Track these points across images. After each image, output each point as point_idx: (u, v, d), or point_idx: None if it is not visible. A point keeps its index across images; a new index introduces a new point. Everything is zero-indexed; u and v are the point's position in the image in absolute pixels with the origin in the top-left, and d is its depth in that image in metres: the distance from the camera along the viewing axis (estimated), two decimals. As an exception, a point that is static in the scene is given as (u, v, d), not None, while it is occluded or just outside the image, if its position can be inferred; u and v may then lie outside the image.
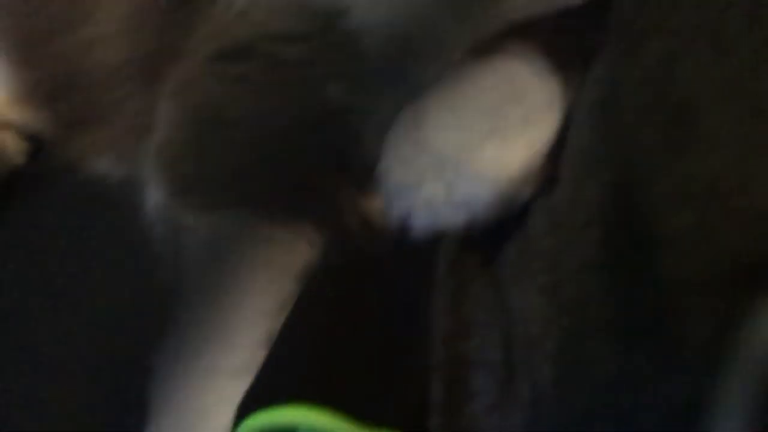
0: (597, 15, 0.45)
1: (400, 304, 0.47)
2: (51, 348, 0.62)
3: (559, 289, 0.39)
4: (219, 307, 0.48)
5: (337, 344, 0.44)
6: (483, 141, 0.44)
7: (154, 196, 0.58)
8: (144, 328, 0.54)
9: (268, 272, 0.49)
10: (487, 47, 0.46)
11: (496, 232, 0.47)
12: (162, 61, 0.62)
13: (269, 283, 0.49)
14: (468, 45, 0.47)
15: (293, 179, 0.52)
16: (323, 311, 0.46)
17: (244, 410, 0.41)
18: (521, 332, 0.41)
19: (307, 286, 0.49)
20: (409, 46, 0.49)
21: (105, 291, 0.62)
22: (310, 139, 0.53)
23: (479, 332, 0.44)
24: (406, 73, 0.50)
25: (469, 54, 0.46)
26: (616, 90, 0.40)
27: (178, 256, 0.53)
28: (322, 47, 0.52)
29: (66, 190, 0.68)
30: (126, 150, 0.68)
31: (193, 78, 0.58)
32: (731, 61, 0.36)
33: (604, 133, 0.40)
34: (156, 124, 0.61)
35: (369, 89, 0.51)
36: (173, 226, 0.54)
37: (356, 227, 0.51)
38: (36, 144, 0.70)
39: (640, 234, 0.37)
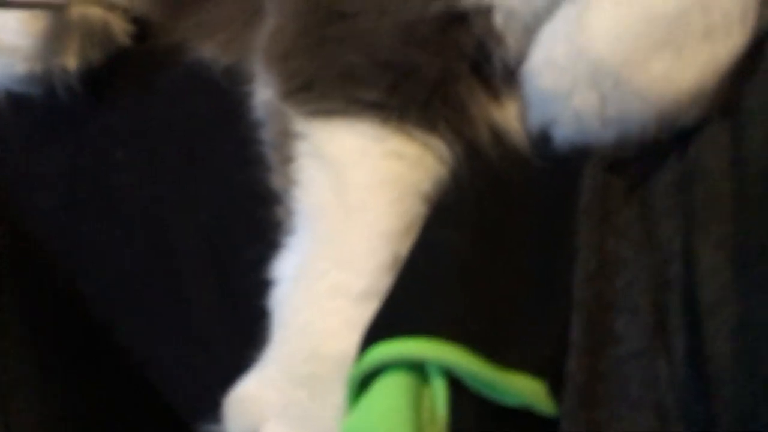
0: None
1: (539, 231, 0.43)
2: (157, 236, 0.61)
3: (743, 246, 0.34)
4: (339, 227, 0.45)
5: (470, 273, 0.41)
6: (653, 52, 0.38)
7: (263, 93, 0.54)
8: (255, 234, 0.51)
9: (393, 190, 0.45)
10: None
11: (652, 156, 0.42)
12: None
13: (395, 203, 0.45)
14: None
15: (418, 83, 0.47)
16: (454, 236, 0.43)
17: (370, 338, 0.39)
18: (682, 285, 0.36)
19: (436, 207, 0.45)
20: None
21: (211, 187, 0.60)
22: (438, 36, 0.47)
23: (625, 271, 0.40)
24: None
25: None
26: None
27: (290, 166, 0.49)
28: None
29: (172, 75, 0.65)
30: (233, 35, 0.64)
31: None
32: None
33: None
34: (266, 10, 0.57)
35: None
36: (284, 131, 0.50)
37: (490, 140, 0.46)
38: (142, 26, 0.66)
39: None
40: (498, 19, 0.45)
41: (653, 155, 0.42)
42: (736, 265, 0.33)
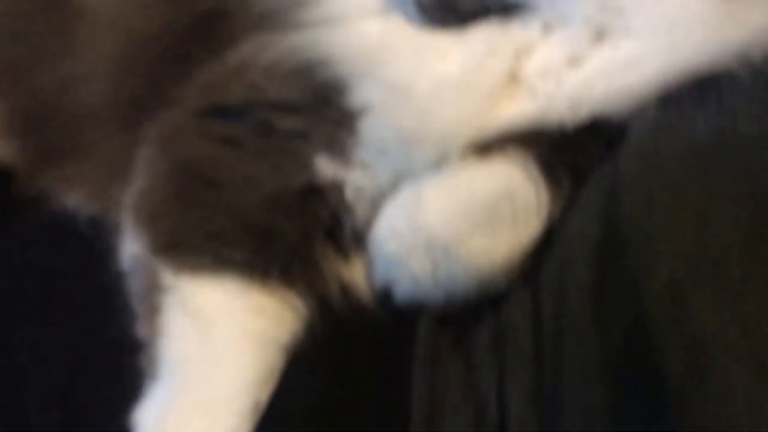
0: (592, 140, 0.49)
1: (382, 375, 0.49)
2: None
3: (546, 399, 0.43)
4: (202, 376, 0.50)
5: (323, 416, 0.47)
6: (474, 231, 0.48)
7: (131, 247, 0.58)
8: (117, 380, 0.54)
9: (254, 342, 0.51)
10: (489, 147, 0.50)
11: (472, 313, 0.51)
12: (148, 105, 0.63)
13: (256, 354, 0.50)
14: (467, 143, 0.50)
15: (280, 245, 0.54)
16: (307, 381, 0.49)
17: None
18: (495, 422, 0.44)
19: (292, 357, 0.50)
20: (410, 136, 0.52)
21: (68, 335, 0.62)
22: (299, 205, 0.55)
23: (454, 416, 0.47)
24: (403, 158, 0.52)
25: (471, 149, 0.50)
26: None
27: (156, 317, 0.53)
28: (317, 121, 0.54)
29: (35, 222, 0.68)
30: (99, 188, 0.67)
31: (180, 129, 0.59)
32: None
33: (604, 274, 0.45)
34: (136, 168, 0.62)
35: (363, 167, 0.54)
36: (152, 284, 0.54)
37: (340, 295, 0.53)
38: (6, 173, 0.69)
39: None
40: (349, 193, 0.54)
41: (474, 313, 0.51)
42: (540, 414, 0.42)
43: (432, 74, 0.51)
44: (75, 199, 0.69)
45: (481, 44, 0.52)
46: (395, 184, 0.52)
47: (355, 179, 0.54)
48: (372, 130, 0.53)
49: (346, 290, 0.54)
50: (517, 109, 0.51)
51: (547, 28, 0.52)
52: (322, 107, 0.54)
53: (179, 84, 0.62)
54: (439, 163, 0.51)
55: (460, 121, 0.50)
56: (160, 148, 0.59)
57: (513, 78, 0.52)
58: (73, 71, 0.69)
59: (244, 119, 0.57)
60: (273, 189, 0.54)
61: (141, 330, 0.54)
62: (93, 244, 0.62)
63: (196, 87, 0.60)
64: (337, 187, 0.54)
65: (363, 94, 0.53)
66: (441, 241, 0.48)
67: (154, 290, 0.54)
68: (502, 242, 0.48)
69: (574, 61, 0.51)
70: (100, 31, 0.69)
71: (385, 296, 0.53)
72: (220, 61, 0.59)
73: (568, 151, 0.50)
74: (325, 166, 0.54)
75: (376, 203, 0.53)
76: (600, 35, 0.51)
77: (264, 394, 0.49)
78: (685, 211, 0.43)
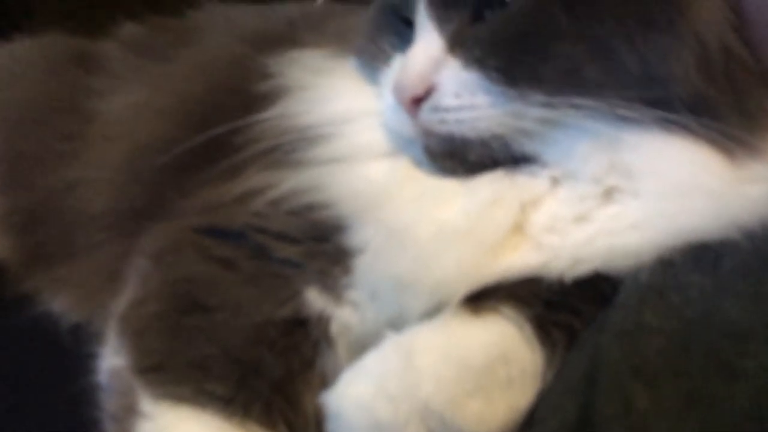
0: (588, 301, 0.50)
1: None
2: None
3: None
4: None
5: None
6: (470, 396, 0.46)
7: (112, 360, 0.56)
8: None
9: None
10: (484, 301, 0.49)
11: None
12: (147, 216, 0.63)
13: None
14: (464, 292, 0.50)
15: (263, 380, 0.52)
16: None
17: None
18: None
19: None
20: (406, 282, 0.51)
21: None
22: (284, 338, 0.54)
23: None
24: (396, 303, 0.52)
25: (465, 304, 0.50)
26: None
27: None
28: (313, 254, 0.54)
29: (17, 323, 0.66)
30: (87, 294, 0.67)
31: (178, 244, 0.59)
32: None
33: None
34: (128, 279, 0.61)
35: (353, 306, 0.53)
36: (130, 406, 0.52)
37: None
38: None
39: None
40: (334, 329, 0.53)
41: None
42: None
43: (433, 220, 0.51)
44: (62, 303, 0.69)
45: (487, 193, 0.52)
46: (381, 331, 0.51)
47: (343, 316, 0.53)
48: (367, 271, 0.52)
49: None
50: (519, 260, 0.51)
51: (555, 183, 0.52)
52: (320, 242, 0.54)
53: (181, 197, 0.62)
54: (432, 312, 0.50)
55: (459, 271, 0.50)
56: (155, 261, 0.59)
57: (517, 229, 0.52)
58: (79, 175, 0.69)
59: (242, 242, 0.57)
60: (261, 318, 0.53)
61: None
62: (70, 355, 0.61)
63: (199, 205, 0.61)
64: (324, 321, 0.53)
65: (362, 235, 0.53)
66: (437, 407, 0.46)
67: (130, 413, 0.52)
68: (498, 408, 0.46)
69: (581, 218, 0.51)
70: (110, 138, 0.70)
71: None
72: (225, 186, 0.60)
73: (564, 312, 0.49)
74: (315, 299, 0.54)
75: (360, 342, 0.52)
76: (608, 195, 0.51)
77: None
78: (661, 420, 0.41)
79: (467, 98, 0.51)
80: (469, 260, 0.50)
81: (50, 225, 0.69)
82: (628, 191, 0.50)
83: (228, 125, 0.58)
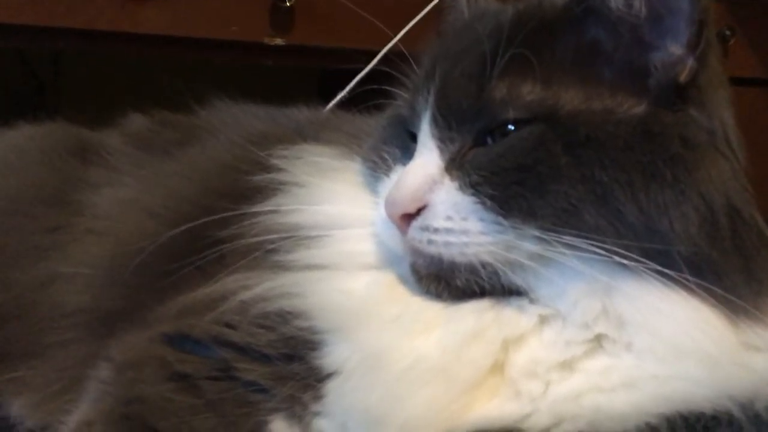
0: None
1: None
2: None
3: None
4: None
5: None
6: None
7: None
8: None
9: None
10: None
11: None
12: (123, 319, 0.59)
13: None
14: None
15: None
16: None
17: None
18: None
19: None
20: (376, 415, 0.46)
21: None
22: None
23: None
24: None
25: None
26: None
27: None
28: (282, 376, 0.49)
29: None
30: (46, 398, 0.62)
31: (140, 358, 0.54)
32: None
33: None
34: (87, 389, 0.56)
35: None
36: None
37: None
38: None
39: None
40: None
41: None
42: None
43: (409, 350, 0.47)
44: (20, 407, 0.64)
45: (468, 325, 0.48)
46: None
47: None
48: (339, 397, 0.47)
49: None
50: (495, 407, 0.46)
51: (543, 321, 0.48)
52: (291, 361, 0.50)
53: (158, 302, 0.58)
54: None
55: (430, 413, 0.45)
56: (117, 374, 0.54)
57: (496, 369, 0.47)
58: (59, 269, 0.66)
59: (209, 355, 0.52)
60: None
61: None
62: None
63: (172, 311, 0.56)
64: None
65: (336, 354, 0.48)
66: None
67: None
68: None
69: (566, 365, 0.47)
70: (96, 233, 0.67)
71: None
72: (200, 288, 0.56)
73: None
74: (281, 428, 0.48)
75: None
76: (598, 343, 0.47)
77: None
78: None
79: (458, 222, 0.48)
80: (442, 401, 0.46)
81: (20, 321, 0.65)
82: (619, 343, 0.47)
83: (211, 217, 0.55)
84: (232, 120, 0.79)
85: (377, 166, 0.57)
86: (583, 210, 0.46)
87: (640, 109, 0.47)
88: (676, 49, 0.48)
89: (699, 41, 0.48)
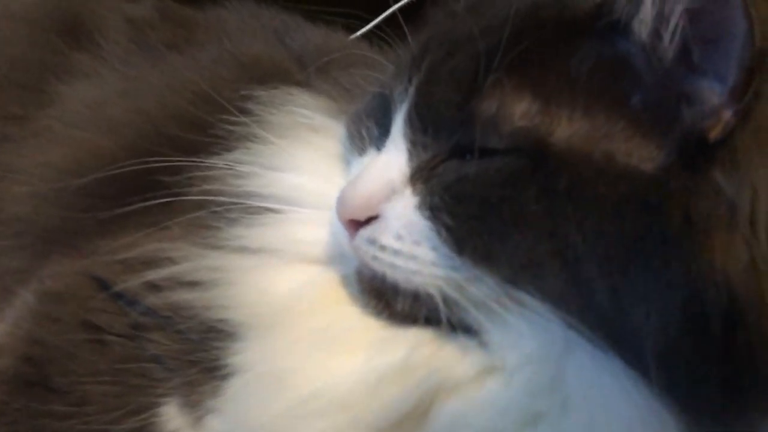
0: None
1: None
2: None
3: None
4: None
5: None
6: None
7: None
8: None
9: None
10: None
11: None
12: (59, 241, 0.55)
13: None
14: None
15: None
16: None
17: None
18: None
19: None
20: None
21: None
22: None
23: None
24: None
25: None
26: None
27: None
28: (189, 360, 0.45)
29: None
30: None
31: (64, 293, 0.50)
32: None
33: None
34: (13, 303, 0.53)
35: None
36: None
37: None
38: None
39: None
40: None
41: None
42: None
43: (322, 373, 0.42)
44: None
45: (397, 358, 0.42)
46: None
47: None
48: (234, 401, 0.43)
49: None
50: None
51: (485, 374, 0.42)
52: (202, 346, 0.45)
53: (99, 236, 0.53)
54: None
55: None
56: (38, 303, 0.51)
57: (418, 413, 0.41)
58: (8, 166, 0.61)
59: (129, 309, 0.48)
60: (100, 427, 0.44)
61: None
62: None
63: (110, 250, 0.51)
64: None
65: (244, 355, 0.44)
66: None
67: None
68: None
69: None
70: (53, 134, 0.62)
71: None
72: (139, 236, 0.50)
73: None
74: (172, 416, 0.45)
75: None
76: (534, 422, 0.40)
77: None
78: None
79: (409, 245, 0.42)
80: None
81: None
82: (557, 421, 0.40)
83: (164, 160, 0.49)
84: (235, 29, 0.71)
85: (354, 140, 0.50)
86: (547, 271, 0.39)
87: (652, 164, 0.38)
88: (712, 95, 0.38)
89: (745, 91, 0.37)
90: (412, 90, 0.43)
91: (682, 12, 0.37)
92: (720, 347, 0.38)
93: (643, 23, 0.38)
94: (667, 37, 0.38)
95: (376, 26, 0.76)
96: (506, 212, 0.39)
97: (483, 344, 0.42)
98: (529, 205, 0.38)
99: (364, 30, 0.77)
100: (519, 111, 0.40)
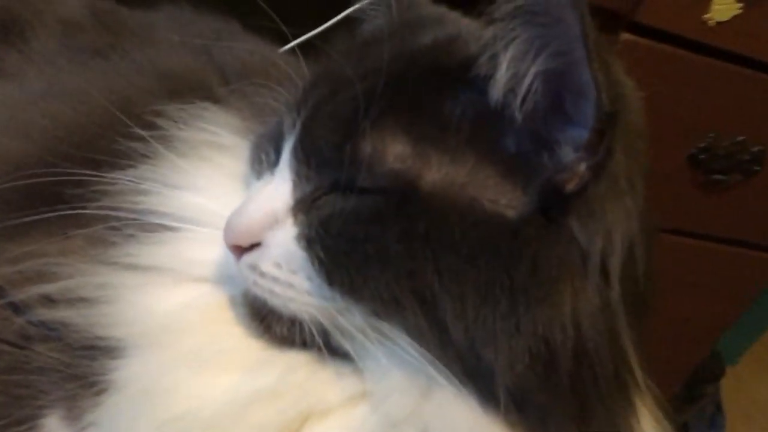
0: None
1: None
2: None
3: None
4: None
5: None
6: None
7: None
8: None
9: None
10: None
11: None
12: None
13: None
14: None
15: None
16: None
17: None
18: None
19: None
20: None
21: None
22: None
23: None
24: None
25: None
26: None
27: None
28: (74, 372, 0.46)
29: None
30: None
31: None
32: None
33: None
34: None
35: None
36: None
37: None
38: None
39: None
40: None
41: None
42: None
43: (192, 395, 0.43)
44: None
45: (269, 381, 0.44)
46: None
47: None
48: (109, 417, 0.44)
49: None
50: None
51: (353, 401, 0.44)
52: (87, 360, 0.46)
53: (8, 239, 0.54)
54: None
55: None
56: None
57: None
58: None
59: (22, 318, 0.49)
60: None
61: None
62: None
63: (11, 255, 0.52)
64: None
65: (122, 372, 0.45)
66: None
67: None
68: None
69: None
70: None
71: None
72: (38, 244, 0.52)
73: None
74: (53, 427, 0.46)
75: None
76: None
77: None
78: None
79: (286, 273, 0.44)
80: None
81: None
82: None
83: (67, 173, 0.51)
84: (164, 38, 0.72)
85: (254, 163, 0.51)
86: (407, 308, 0.41)
87: (515, 211, 0.41)
88: (568, 151, 0.40)
89: (597, 148, 0.40)
90: (298, 124, 0.45)
91: (536, 74, 0.39)
92: (567, 384, 0.40)
93: (498, 83, 0.40)
94: (520, 96, 0.40)
95: (317, 36, 0.78)
96: (370, 249, 0.41)
97: (356, 371, 0.44)
98: (391, 244, 0.40)
99: (292, 44, 0.79)
100: (393, 153, 0.42)
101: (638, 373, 0.44)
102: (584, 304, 0.41)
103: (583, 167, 0.40)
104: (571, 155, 0.40)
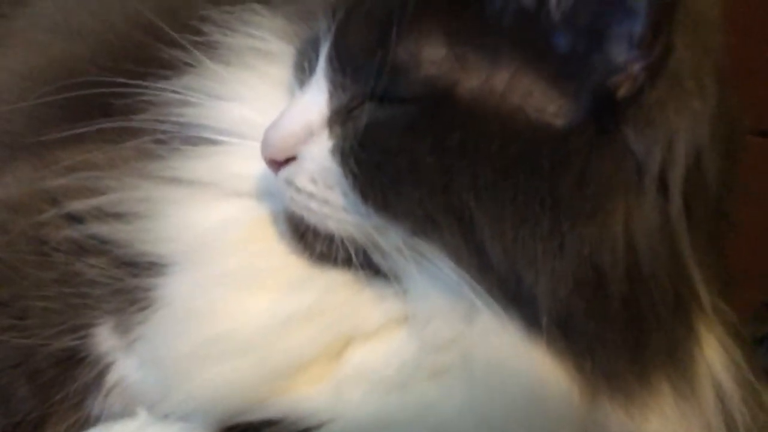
0: None
1: None
2: None
3: None
4: None
5: None
6: None
7: None
8: None
9: None
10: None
11: None
12: (22, 146, 0.56)
13: None
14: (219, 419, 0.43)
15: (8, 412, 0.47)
16: None
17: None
18: None
19: None
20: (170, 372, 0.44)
21: None
22: (50, 373, 0.47)
23: None
24: (164, 387, 0.45)
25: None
26: None
27: None
28: (122, 287, 0.47)
29: None
30: None
31: (16, 202, 0.52)
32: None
33: None
34: None
35: (141, 358, 0.46)
36: None
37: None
38: None
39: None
40: (112, 376, 0.47)
41: None
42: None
43: (234, 313, 0.43)
44: None
45: (310, 300, 0.43)
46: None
47: (126, 367, 0.46)
48: (156, 330, 0.45)
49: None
50: (310, 397, 0.42)
51: (397, 324, 0.42)
52: (135, 275, 0.47)
53: (61, 147, 0.54)
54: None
55: (230, 386, 0.42)
56: None
57: (328, 357, 0.42)
58: None
59: (77, 229, 0.50)
60: (35, 342, 0.46)
61: None
62: None
63: (66, 164, 0.53)
64: (104, 366, 0.46)
65: (169, 288, 0.45)
66: None
67: None
68: None
69: (400, 386, 0.41)
70: (25, 38, 0.63)
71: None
72: (92, 154, 0.52)
73: None
74: (104, 338, 0.47)
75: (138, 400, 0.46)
76: (439, 374, 0.41)
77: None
78: None
79: (322, 189, 0.42)
80: (247, 381, 0.42)
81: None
82: (459, 375, 0.40)
83: (114, 83, 0.49)
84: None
85: (297, 71, 0.48)
86: (444, 227, 0.38)
87: (562, 121, 0.37)
88: (620, 50, 0.36)
89: (653, 44, 0.35)
90: (333, 29, 0.42)
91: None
92: (619, 309, 0.38)
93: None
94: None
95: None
96: (403, 163, 0.38)
97: (398, 294, 0.42)
98: (424, 157, 0.38)
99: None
100: (428, 58, 0.38)
101: (704, 297, 0.40)
102: (639, 222, 0.37)
103: (637, 68, 0.36)
104: (623, 54, 0.36)
